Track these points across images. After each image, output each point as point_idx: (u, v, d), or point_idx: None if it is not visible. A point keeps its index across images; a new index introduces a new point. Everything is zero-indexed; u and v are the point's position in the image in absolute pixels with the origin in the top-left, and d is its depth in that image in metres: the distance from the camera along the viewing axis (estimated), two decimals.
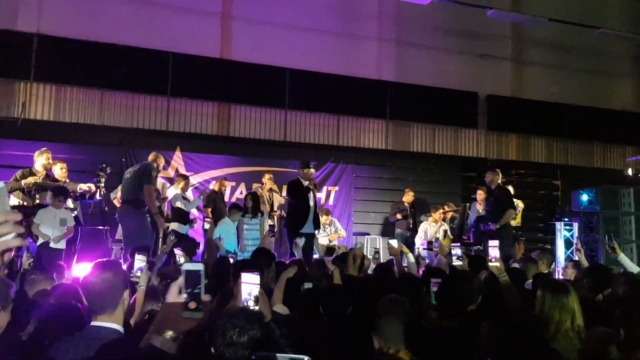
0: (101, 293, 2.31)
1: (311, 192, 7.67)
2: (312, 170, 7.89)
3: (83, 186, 7.43)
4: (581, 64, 13.97)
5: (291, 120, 11.59)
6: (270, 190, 9.65)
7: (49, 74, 9.93)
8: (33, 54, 9.80)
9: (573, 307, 3.17)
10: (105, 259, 2.95)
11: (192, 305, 1.56)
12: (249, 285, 2.77)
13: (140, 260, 3.50)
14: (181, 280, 1.57)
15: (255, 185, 10.52)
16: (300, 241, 6.42)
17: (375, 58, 12.62)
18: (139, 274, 3.36)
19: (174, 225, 8.09)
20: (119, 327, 2.33)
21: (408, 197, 10.44)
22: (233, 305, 3.01)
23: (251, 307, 2.71)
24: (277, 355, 1.55)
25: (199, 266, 1.60)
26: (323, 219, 9.19)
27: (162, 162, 7.44)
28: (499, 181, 8.53)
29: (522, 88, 13.66)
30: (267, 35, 11.60)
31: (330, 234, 9.80)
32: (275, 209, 9.59)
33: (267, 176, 9.87)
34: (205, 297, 1.57)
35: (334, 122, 11.92)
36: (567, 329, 3.12)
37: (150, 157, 7.28)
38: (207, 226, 5.93)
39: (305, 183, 7.72)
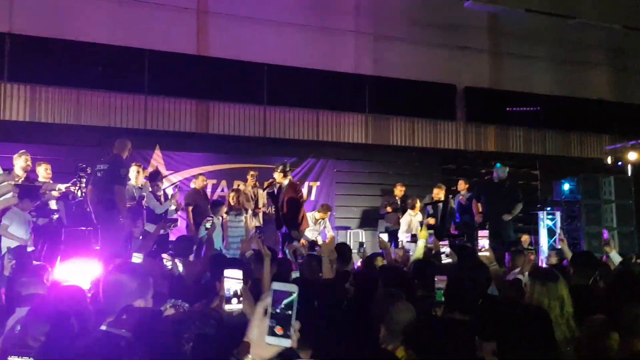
0: (120, 296, 2.25)
1: (269, 195, 7.90)
2: (276, 173, 7.94)
3: (62, 187, 7.29)
4: (557, 54, 14.11)
5: (270, 116, 11.51)
6: (255, 186, 9.54)
7: (23, 74, 9.72)
8: (6, 54, 9.58)
9: (562, 294, 3.19)
10: (124, 261, 2.88)
11: (280, 330, 1.39)
12: (231, 280, 2.73)
13: (137, 258, 3.44)
14: (269, 300, 1.41)
15: (237, 183, 10.42)
16: (295, 242, 6.39)
17: (353, 52, 12.58)
18: None
19: (148, 227, 7.64)
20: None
21: (398, 191, 10.43)
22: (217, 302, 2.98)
23: (234, 304, 2.67)
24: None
25: (293, 287, 1.42)
26: (319, 215, 9.14)
27: (129, 147, 6.88)
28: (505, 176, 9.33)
29: (500, 79, 13.72)
30: (244, 31, 11.47)
31: (318, 230, 9.47)
32: (260, 206, 9.48)
33: (251, 173, 9.76)
34: (296, 325, 1.39)
35: (313, 117, 11.87)
36: (556, 316, 3.13)
37: (117, 146, 6.78)
38: (208, 224, 5.80)
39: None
